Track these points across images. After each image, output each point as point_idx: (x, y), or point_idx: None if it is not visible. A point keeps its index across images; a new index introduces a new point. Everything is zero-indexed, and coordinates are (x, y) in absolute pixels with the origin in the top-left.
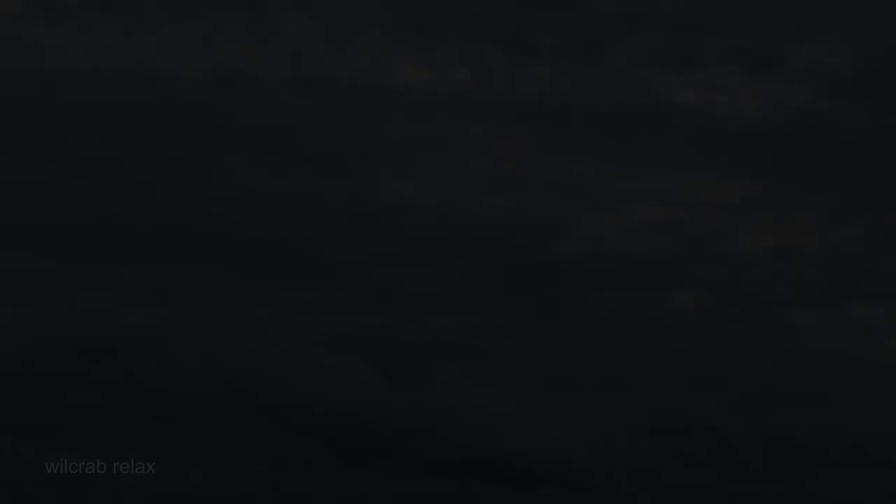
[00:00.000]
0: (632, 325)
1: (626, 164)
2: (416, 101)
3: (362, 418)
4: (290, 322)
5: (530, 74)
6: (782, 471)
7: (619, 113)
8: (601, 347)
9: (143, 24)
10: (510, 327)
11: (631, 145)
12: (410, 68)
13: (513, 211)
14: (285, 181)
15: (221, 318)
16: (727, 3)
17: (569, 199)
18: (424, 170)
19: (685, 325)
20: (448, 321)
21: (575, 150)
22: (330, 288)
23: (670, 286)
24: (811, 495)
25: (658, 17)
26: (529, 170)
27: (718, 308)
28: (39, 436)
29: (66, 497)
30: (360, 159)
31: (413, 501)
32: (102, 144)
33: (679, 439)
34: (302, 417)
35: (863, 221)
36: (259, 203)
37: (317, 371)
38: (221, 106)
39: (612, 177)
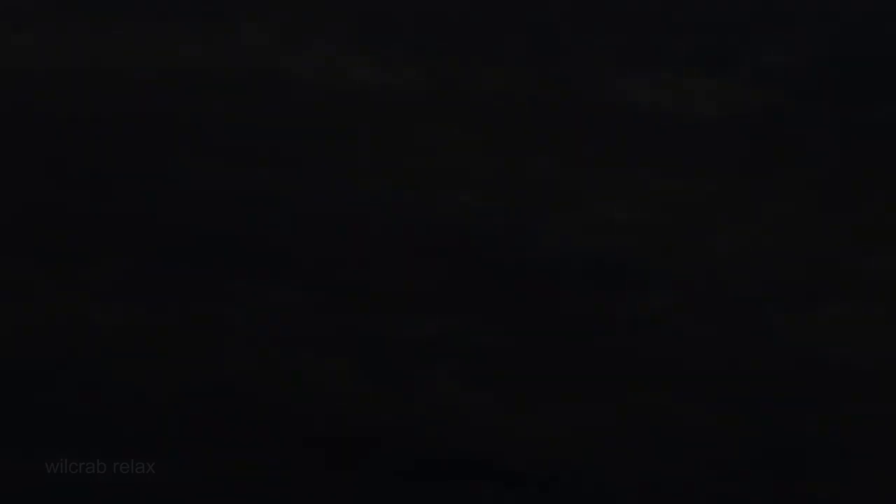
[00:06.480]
0: (606, 325)
1: (590, 163)
2: (375, 101)
3: (346, 419)
4: (267, 323)
5: (490, 73)
6: (766, 471)
7: (581, 112)
8: (577, 347)
9: (97, 23)
10: (487, 327)
11: (594, 145)
12: (367, 68)
13: (479, 211)
14: (251, 181)
15: (195, 319)
16: (688, 2)
17: (535, 199)
18: (386, 170)
19: (660, 325)
20: (424, 320)
21: (539, 150)
22: (303, 288)
23: (643, 286)
24: (795, 496)
25: (618, 16)
26: (493, 169)
27: (693, 308)
28: (38, 436)
29: (66, 497)
30: (323, 159)
31: (401, 502)
32: (62, 145)
33: (663, 439)
34: (284, 419)
35: (830, 221)
36: (225, 203)
37: (296, 372)
38: (180, 105)
39: (578, 176)
